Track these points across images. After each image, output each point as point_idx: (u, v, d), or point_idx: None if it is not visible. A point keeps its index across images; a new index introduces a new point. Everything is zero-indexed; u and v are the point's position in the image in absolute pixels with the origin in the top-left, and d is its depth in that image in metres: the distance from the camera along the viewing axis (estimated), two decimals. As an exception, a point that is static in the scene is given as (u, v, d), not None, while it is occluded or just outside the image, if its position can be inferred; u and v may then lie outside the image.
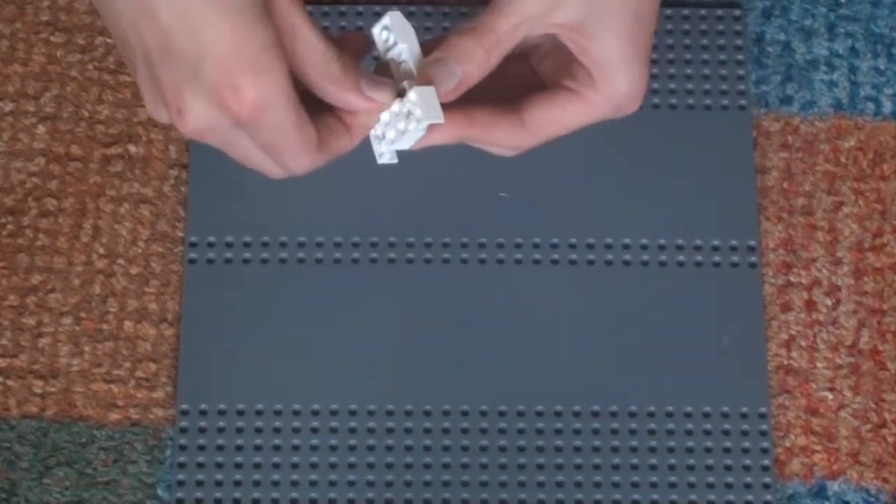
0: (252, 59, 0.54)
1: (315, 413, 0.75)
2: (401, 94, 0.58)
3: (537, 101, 0.61)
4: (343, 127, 0.58)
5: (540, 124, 0.61)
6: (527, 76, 0.64)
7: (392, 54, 0.59)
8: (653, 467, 0.74)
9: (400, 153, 0.61)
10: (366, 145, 0.60)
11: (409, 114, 0.57)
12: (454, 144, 0.61)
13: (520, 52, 0.63)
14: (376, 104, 0.58)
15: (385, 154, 0.59)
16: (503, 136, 0.62)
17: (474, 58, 0.59)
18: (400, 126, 0.58)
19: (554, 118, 0.61)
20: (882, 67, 0.81)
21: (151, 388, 0.76)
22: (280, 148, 0.57)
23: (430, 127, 0.58)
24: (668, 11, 0.82)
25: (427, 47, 0.60)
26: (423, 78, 0.58)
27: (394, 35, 0.58)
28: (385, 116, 0.58)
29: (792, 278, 0.78)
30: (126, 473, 0.74)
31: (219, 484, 0.73)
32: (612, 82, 0.60)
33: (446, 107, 0.58)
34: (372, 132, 0.59)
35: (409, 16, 0.82)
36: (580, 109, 0.61)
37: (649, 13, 0.60)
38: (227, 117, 0.55)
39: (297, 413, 0.75)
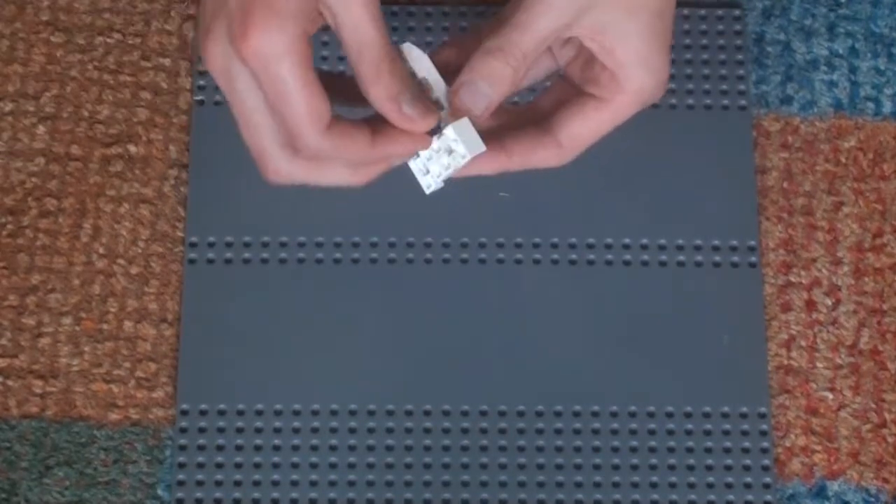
0: (273, 4, 0.54)
1: (315, 413, 0.75)
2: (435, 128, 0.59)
3: (568, 118, 0.61)
4: (367, 134, 0.58)
5: (575, 140, 0.61)
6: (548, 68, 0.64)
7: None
8: (653, 467, 0.74)
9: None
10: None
11: (450, 150, 0.58)
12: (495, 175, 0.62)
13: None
14: (411, 125, 0.57)
15: (431, 185, 0.60)
16: (542, 160, 0.62)
17: (504, 78, 0.58)
18: (443, 161, 0.59)
19: (588, 130, 0.61)
20: (882, 67, 0.81)
21: (151, 388, 0.76)
22: (284, 110, 0.56)
23: (473, 157, 0.59)
24: (668, 11, 0.82)
25: (443, 55, 0.60)
26: (454, 105, 0.58)
27: (410, 66, 0.58)
28: (425, 153, 0.58)
29: (792, 278, 0.78)
30: (126, 473, 0.74)
31: (219, 484, 0.74)
32: (638, 81, 0.60)
33: (484, 141, 0.59)
34: (413, 165, 0.60)
35: (409, 16, 0.83)
36: (611, 115, 0.61)
37: (669, 5, 0.60)
38: (236, 57, 0.55)
39: (297, 413, 0.75)
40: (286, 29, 0.55)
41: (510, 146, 0.61)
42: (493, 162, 0.61)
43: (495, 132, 0.60)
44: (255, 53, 0.55)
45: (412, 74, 0.58)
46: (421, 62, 0.59)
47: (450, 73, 0.59)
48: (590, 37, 0.59)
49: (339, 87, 0.61)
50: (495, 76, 0.58)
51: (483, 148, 0.58)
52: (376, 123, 0.58)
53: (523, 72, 0.59)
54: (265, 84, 0.56)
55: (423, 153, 0.59)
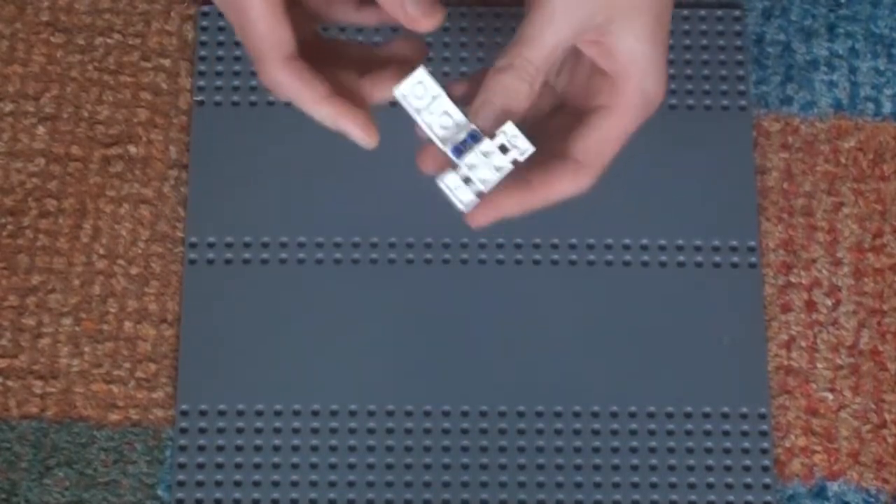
0: None
1: (315, 413, 0.75)
2: (468, 138, 0.59)
3: (578, 135, 0.61)
4: (326, 87, 0.58)
5: (592, 154, 0.61)
6: (551, 98, 0.64)
7: (431, 110, 0.59)
8: (653, 467, 0.74)
9: (399, 156, 0.61)
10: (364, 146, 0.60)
11: (504, 148, 0.59)
12: (521, 215, 0.61)
13: None
14: (416, 24, 0.58)
15: (470, 202, 0.60)
16: (564, 186, 0.61)
17: (520, 93, 0.59)
18: (496, 162, 0.59)
19: (600, 141, 0.61)
20: (882, 67, 0.81)
21: (151, 388, 0.76)
22: (248, 38, 0.57)
23: (499, 197, 0.59)
24: (668, 12, 0.82)
25: (459, 88, 0.61)
26: (476, 121, 0.59)
27: (426, 89, 0.59)
28: (472, 158, 0.59)
29: (792, 279, 0.78)
30: (126, 473, 0.74)
31: (219, 484, 0.74)
32: (638, 84, 0.60)
33: (501, 185, 0.59)
34: (450, 181, 0.59)
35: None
36: (617, 120, 0.61)
37: (667, 9, 0.60)
38: None
39: (297, 413, 0.75)
40: None
41: (529, 180, 0.60)
42: (516, 199, 0.60)
43: (514, 170, 0.60)
44: None
45: (425, 106, 0.59)
46: (435, 85, 0.59)
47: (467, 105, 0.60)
48: (589, 43, 0.59)
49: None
50: (510, 92, 0.59)
51: (533, 147, 0.59)
52: (337, 84, 0.59)
53: (539, 84, 0.59)
54: (234, 7, 0.57)
55: (465, 160, 0.59)
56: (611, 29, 0.59)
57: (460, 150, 0.59)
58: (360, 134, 0.59)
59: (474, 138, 0.59)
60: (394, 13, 0.58)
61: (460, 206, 0.60)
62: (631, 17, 0.59)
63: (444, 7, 0.59)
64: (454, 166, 0.59)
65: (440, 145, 0.59)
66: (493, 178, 0.59)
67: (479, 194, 0.59)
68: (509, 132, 0.59)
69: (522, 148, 0.59)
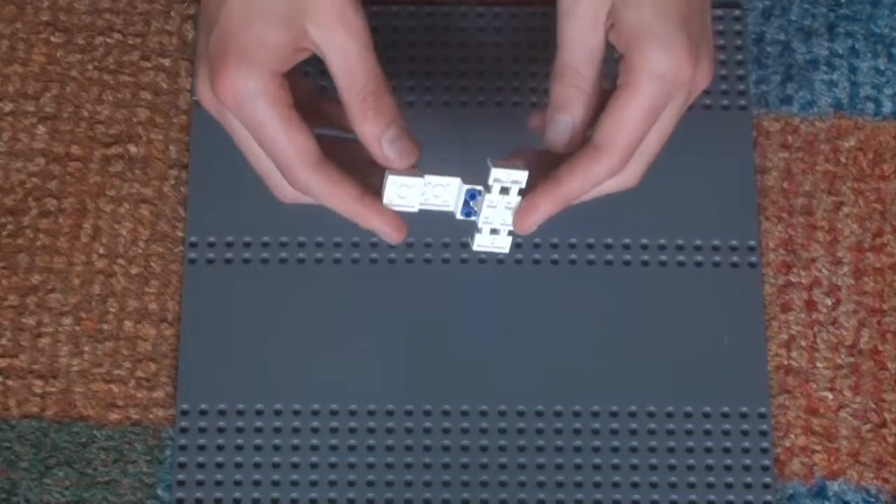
0: (244, 47, 0.55)
1: (315, 413, 0.75)
2: (467, 198, 0.61)
3: (601, 119, 0.59)
4: (357, 188, 0.59)
5: (608, 137, 0.58)
6: None
7: (423, 196, 0.61)
8: (653, 467, 0.74)
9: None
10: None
11: (505, 189, 0.60)
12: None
13: None
14: (389, 164, 0.59)
15: (508, 244, 0.62)
16: (592, 173, 0.59)
17: (571, 100, 0.58)
18: (506, 203, 0.60)
19: (616, 122, 0.58)
20: (882, 67, 0.81)
21: (151, 388, 0.76)
22: (269, 147, 0.58)
23: (535, 198, 0.60)
24: (668, 11, 0.82)
25: (535, 121, 0.62)
26: (547, 144, 0.60)
27: (407, 185, 0.60)
28: (485, 212, 0.60)
29: (792, 278, 0.78)
30: (126, 473, 0.74)
31: (219, 484, 0.74)
32: (643, 56, 0.57)
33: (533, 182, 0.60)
34: (481, 241, 0.61)
35: (410, 16, 0.82)
36: (627, 99, 0.57)
37: None
38: (215, 98, 0.57)
39: (297, 413, 0.75)
40: (254, 74, 0.56)
41: (557, 174, 0.60)
42: (550, 197, 0.60)
43: (545, 172, 0.60)
44: (229, 97, 0.57)
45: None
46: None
47: None
48: (610, 24, 0.58)
49: (334, 112, 0.62)
50: (563, 102, 0.59)
51: (525, 168, 0.59)
52: (368, 183, 0.60)
53: (590, 85, 0.58)
54: (247, 124, 0.58)
55: (481, 217, 0.60)
56: (616, 6, 0.57)
57: (469, 211, 0.60)
58: (391, 233, 0.60)
59: (473, 196, 0.60)
60: (370, 148, 0.59)
61: (504, 252, 0.62)
62: None
63: (419, 147, 0.59)
64: (474, 228, 0.61)
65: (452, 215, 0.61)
66: (511, 217, 0.60)
67: (511, 233, 0.61)
68: (500, 175, 0.59)
69: (519, 178, 0.59)
